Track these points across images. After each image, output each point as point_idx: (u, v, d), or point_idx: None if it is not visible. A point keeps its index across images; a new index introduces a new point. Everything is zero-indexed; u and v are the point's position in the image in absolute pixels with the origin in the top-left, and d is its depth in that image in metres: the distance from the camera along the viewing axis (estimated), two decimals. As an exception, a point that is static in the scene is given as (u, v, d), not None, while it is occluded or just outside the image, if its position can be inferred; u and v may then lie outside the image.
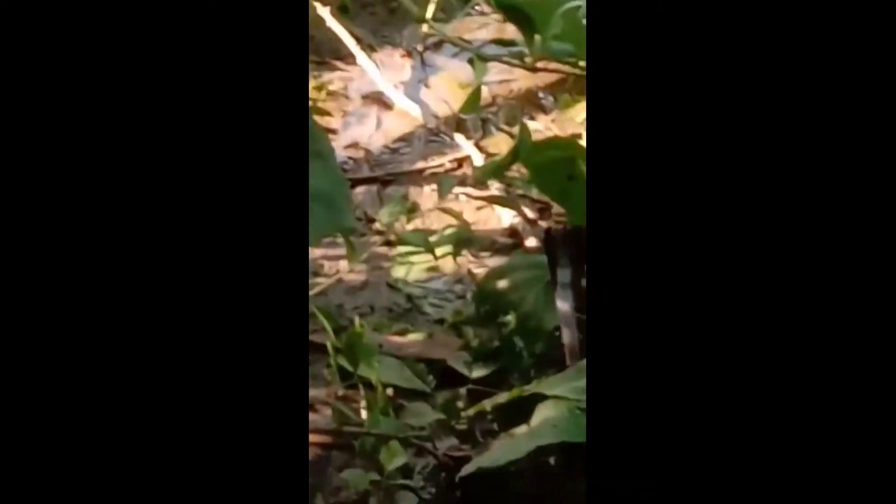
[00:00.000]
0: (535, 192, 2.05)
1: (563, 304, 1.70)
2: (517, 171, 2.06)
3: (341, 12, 2.47)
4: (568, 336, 1.68)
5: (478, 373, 1.74)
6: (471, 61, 2.08)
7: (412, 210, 1.97)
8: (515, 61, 1.90)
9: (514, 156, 1.70)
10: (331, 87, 2.40)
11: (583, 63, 1.74)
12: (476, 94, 1.99)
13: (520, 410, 1.58)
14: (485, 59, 2.03)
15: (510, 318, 1.78)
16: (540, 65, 1.82)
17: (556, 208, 2.02)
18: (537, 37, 1.71)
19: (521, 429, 1.54)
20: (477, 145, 2.26)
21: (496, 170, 1.82)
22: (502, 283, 1.82)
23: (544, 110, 2.36)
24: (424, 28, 2.47)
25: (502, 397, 1.61)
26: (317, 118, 2.23)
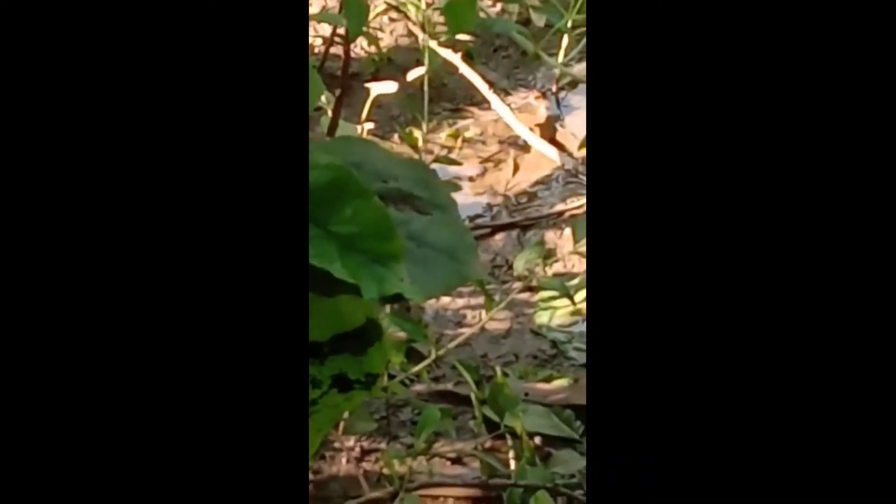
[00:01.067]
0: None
1: None
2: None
3: (469, 58, 2.47)
4: None
5: (625, 416, 1.71)
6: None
7: (548, 255, 1.95)
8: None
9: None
10: (467, 134, 2.40)
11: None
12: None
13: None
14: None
15: (656, 358, 1.75)
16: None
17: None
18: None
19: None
20: (615, 183, 2.23)
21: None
22: (646, 323, 1.79)
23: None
24: (557, 68, 2.47)
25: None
26: (448, 167, 2.24)
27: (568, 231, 2.10)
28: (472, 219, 2.21)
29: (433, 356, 1.76)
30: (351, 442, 1.70)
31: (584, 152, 2.30)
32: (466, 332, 1.87)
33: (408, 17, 2.61)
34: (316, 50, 2.46)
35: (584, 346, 1.89)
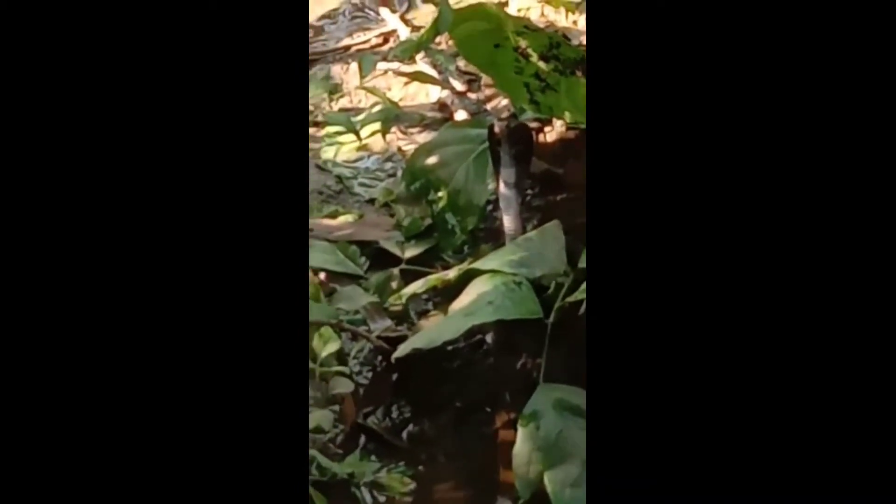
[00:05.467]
0: (462, 63, 2.01)
1: (508, 205, 1.67)
2: (444, 42, 2.03)
3: None
4: (510, 233, 1.66)
5: (411, 252, 1.72)
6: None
7: (334, 91, 1.92)
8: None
9: (436, 29, 1.65)
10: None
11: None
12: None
13: (456, 287, 1.56)
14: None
15: (441, 194, 1.75)
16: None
17: (487, 79, 1.98)
18: None
19: (457, 306, 1.52)
20: (403, 18, 2.21)
21: (418, 45, 1.77)
22: (432, 159, 1.79)
23: (471, -23, 2.30)
24: None
25: (435, 278, 1.59)
26: None
27: (354, 66, 2.07)
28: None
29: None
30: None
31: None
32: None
33: None
34: None
35: (369, 182, 1.88)
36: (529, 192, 1.78)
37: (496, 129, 1.67)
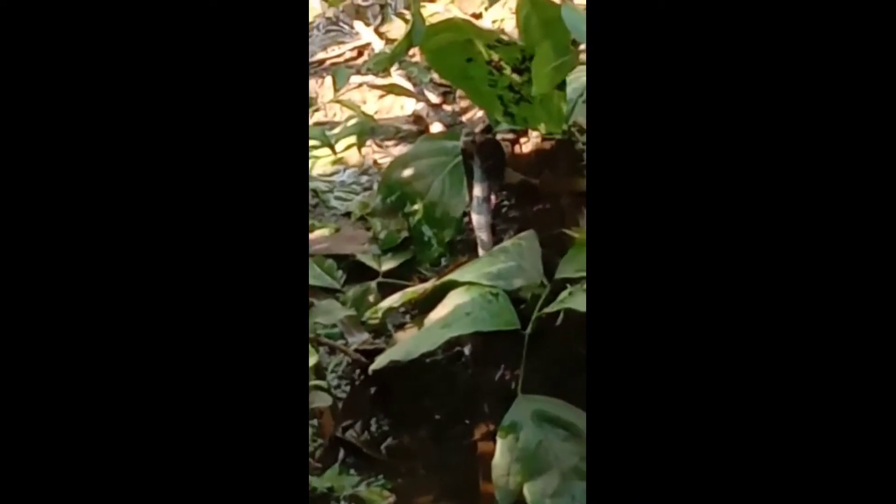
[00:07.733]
0: (437, 76, 2.02)
1: (479, 218, 1.68)
2: (418, 54, 2.03)
3: None
4: (483, 245, 1.66)
5: (387, 265, 1.72)
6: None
7: (309, 104, 1.92)
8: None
9: (408, 42, 1.65)
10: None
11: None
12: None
13: (432, 299, 1.56)
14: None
15: (417, 206, 1.75)
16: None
17: (461, 91, 1.99)
18: None
19: (434, 318, 1.52)
20: (377, 32, 2.21)
21: (391, 58, 1.78)
22: (407, 172, 1.79)
23: (443, -9, 2.31)
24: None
25: (412, 291, 1.59)
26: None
27: (329, 79, 2.07)
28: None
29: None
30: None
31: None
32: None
33: None
34: None
35: (345, 195, 1.88)
36: (506, 203, 1.79)
37: (462, 145, 1.68)
